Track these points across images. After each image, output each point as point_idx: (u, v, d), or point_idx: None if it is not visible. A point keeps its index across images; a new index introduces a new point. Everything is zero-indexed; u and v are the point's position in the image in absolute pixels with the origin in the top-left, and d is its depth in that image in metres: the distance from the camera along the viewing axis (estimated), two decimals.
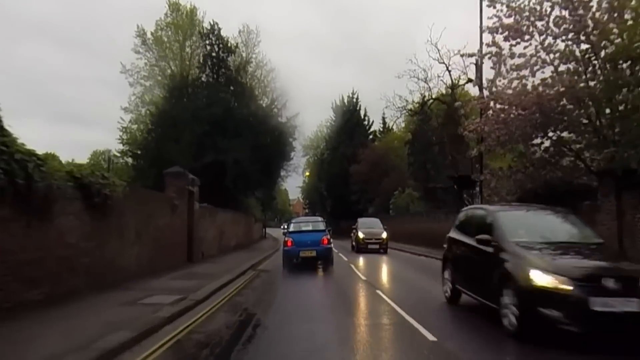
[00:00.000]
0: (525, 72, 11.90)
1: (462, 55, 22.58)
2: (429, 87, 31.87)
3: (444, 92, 34.35)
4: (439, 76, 31.77)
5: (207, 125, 25.00)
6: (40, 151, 7.69)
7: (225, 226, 21.80)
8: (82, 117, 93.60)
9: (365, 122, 57.24)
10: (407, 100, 32.78)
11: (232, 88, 26.55)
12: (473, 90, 33.22)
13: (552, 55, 11.39)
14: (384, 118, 56.09)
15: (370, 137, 55.80)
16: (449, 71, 32.22)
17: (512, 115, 12.48)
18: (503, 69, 12.33)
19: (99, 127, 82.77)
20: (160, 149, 24.97)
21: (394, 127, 41.08)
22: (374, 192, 44.47)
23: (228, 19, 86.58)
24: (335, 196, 53.59)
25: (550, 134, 12.17)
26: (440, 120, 34.79)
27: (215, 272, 13.00)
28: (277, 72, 30.68)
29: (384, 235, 24.16)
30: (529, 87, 11.78)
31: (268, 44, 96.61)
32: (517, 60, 12.14)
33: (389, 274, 15.48)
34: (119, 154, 32.32)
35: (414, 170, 37.78)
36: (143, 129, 28.08)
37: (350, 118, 55.93)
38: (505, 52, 12.23)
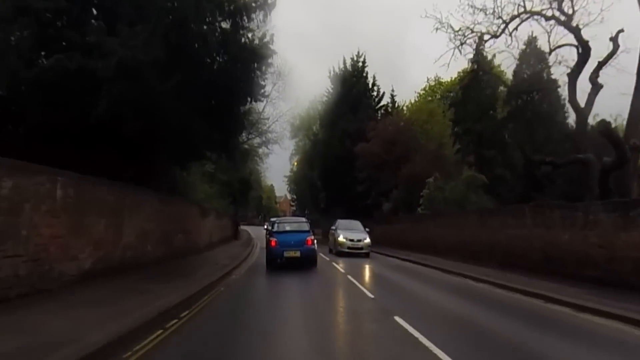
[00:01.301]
0: None
1: None
2: None
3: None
4: None
5: None
6: None
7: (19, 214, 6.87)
8: None
9: (374, 93, 43.41)
10: (484, 11, 18.61)
11: None
12: None
13: None
14: (392, 95, 42.87)
15: (380, 113, 42.00)
16: None
17: None
18: None
19: None
20: None
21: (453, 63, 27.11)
22: (391, 181, 30.68)
23: None
24: (333, 187, 39.49)
25: None
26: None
27: None
28: None
29: None
30: None
31: None
32: None
33: None
34: None
35: (465, 145, 23.95)
36: None
37: (354, 85, 42.16)
38: None
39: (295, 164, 60.05)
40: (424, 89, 53.78)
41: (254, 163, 47.63)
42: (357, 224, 22.69)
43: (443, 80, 54.82)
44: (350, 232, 21.25)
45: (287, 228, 16.10)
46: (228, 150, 16.18)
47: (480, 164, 23.05)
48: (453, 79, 52.93)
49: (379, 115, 40.91)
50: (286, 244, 14.72)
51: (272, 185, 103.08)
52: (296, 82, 61.12)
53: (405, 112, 41.11)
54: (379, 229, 31.95)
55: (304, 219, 19.07)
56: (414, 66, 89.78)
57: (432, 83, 55.33)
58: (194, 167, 20.65)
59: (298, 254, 14.56)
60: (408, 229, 25.51)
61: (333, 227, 22.66)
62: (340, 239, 20.91)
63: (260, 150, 42.43)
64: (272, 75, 37.46)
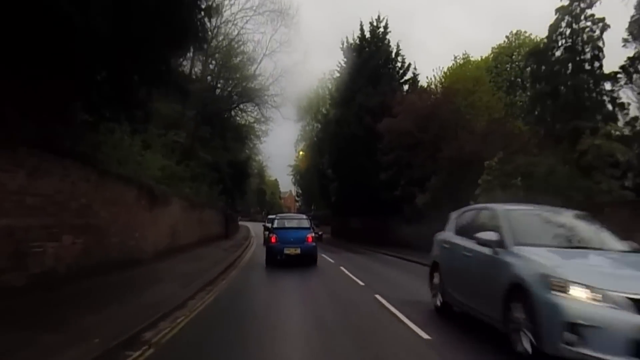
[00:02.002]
0: None
1: None
2: None
3: None
4: None
5: None
6: None
7: None
8: None
9: (398, 64, 35.69)
10: None
11: None
12: None
13: None
14: (414, 74, 35.06)
15: (406, 87, 34.32)
16: None
17: None
18: None
19: None
20: None
21: None
22: (427, 166, 23.11)
23: None
24: (348, 175, 31.78)
25: None
26: None
27: None
28: None
29: None
30: None
31: None
32: None
33: None
34: None
35: (553, 112, 16.24)
36: None
37: (374, 54, 34.53)
38: None
39: (301, 153, 52.53)
40: (450, 68, 46.55)
41: (251, 149, 40.20)
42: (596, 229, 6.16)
43: (472, 59, 47.69)
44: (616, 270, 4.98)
45: (287, 225, 16.29)
46: (171, 83, 8.59)
47: (574, 137, 15.42)
48: (486, 56, 45.84)
49: (405, 90, 33.30)
50: (286, 241, 14.84)
51: (276, 180, 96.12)
52: (304, 29, 52.76)
53: (441, 81, 33.40)
54: (412, 230, 24.46)
55: (304, 216, 19.26)
56: (419, 63, 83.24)
57: (460, 62, 48.07)
58: (144, 130, 13.15)
59: (298, 251, 14.71)
60: None
61: (490, 236, 5.72)
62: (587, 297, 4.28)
63: (257, 127, 34.80)
64: (271, 14, 30.03)
